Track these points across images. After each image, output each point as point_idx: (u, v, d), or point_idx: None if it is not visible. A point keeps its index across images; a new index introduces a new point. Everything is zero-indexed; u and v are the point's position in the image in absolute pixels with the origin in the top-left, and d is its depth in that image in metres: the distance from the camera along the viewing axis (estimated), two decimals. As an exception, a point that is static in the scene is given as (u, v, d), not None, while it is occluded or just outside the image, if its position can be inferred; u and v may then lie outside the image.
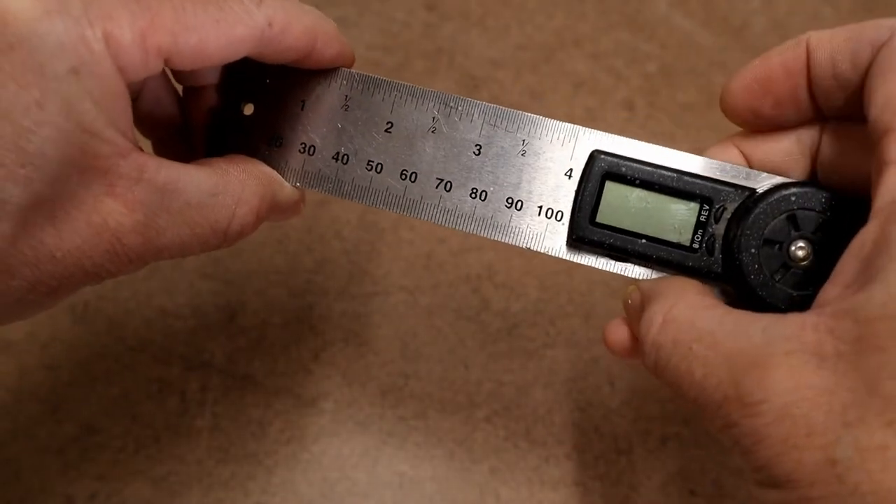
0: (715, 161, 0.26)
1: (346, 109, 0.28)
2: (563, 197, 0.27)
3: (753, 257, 0.24)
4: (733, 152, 0.26)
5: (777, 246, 0.24)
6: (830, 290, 0.21)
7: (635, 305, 0.26)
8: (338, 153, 0.28)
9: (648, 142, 0.26)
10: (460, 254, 0.43)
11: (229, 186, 0.25)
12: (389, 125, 0.27)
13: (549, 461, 0.39)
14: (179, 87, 0.29)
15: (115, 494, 0.38)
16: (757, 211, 0.24)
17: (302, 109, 0.28)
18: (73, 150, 0.20)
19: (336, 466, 0.39)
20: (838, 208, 0.24)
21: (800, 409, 0.19)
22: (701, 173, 0.25)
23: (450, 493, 0.38)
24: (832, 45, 0.23)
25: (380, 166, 0.28)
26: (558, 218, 0.27)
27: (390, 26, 0.50)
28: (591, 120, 0.48)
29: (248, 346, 0.41)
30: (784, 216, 0.24)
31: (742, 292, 0.24)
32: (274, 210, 0.27)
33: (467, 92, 0.49)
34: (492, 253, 0.43)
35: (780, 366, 0.20)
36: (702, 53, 0.48)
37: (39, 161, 0.20)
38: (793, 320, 0.20)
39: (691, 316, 0.23)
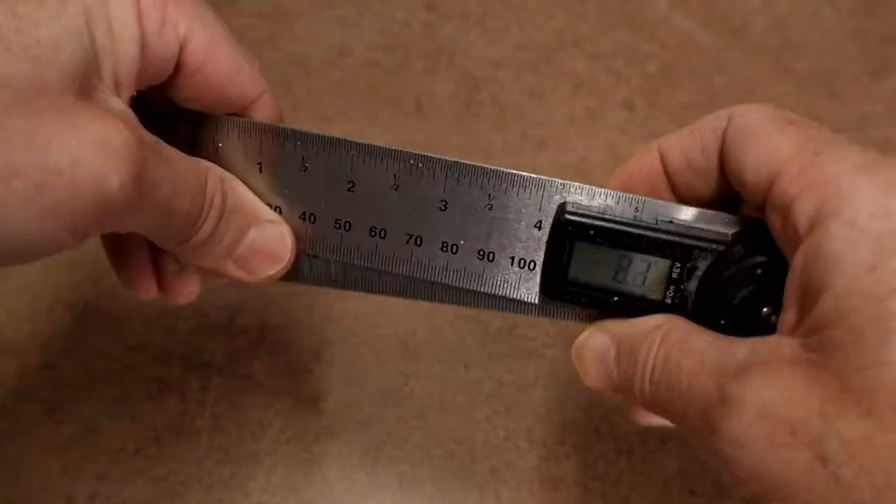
0: (690, 209, 0.26)
1: (304, 171, 0.27)
2: (535, 248, 0.27)
3: (727, 324, 0.24)
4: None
5: (748, 313, 0.24)
6: (787, 317, 0.22)
7: (603, 348, 0.26)
8: (304, 213, 0.28)
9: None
10: (460, 254, 0.43)
11: (200, 161, 0.26)
12: (351, 184, 0.27)
13: (549, 461, 0.39)
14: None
15: (115, 494, 0.38)
16: (725, 276, 0.24)
17: (260, 172, 0.27)
18: (82, 53, 0.21)
19: (336, 466, 0.39)
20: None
21: (779, 407, 0.20)
22: (674, 224, 0.25)
23: (450, 493, 0.38)
24: (681, 143, 0.25)
25: (348, 224, 0.27)
26: (531, 267, 0.27)
27: (390, 26, 0.50)
28: (591, 119, 0.48)
29: (248, 346, 0.41)
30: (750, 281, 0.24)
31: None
32: (238, 205, 0.27)
33: (467, 92, 0.49)
34: (492, 253, 0.43)
35: (758, 372, 0.21)
36: (702, 53, 0.48)
37: (50, 44, 0.20)
38: (773, 339, 0.22)
39: (684, 336, 0.24)
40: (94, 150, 0.20)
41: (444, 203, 0.27)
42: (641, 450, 0.39)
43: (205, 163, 0.26)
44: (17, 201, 0.19)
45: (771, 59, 0.47)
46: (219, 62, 0.25)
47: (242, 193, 0.27)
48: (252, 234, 0.27)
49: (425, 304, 0.42)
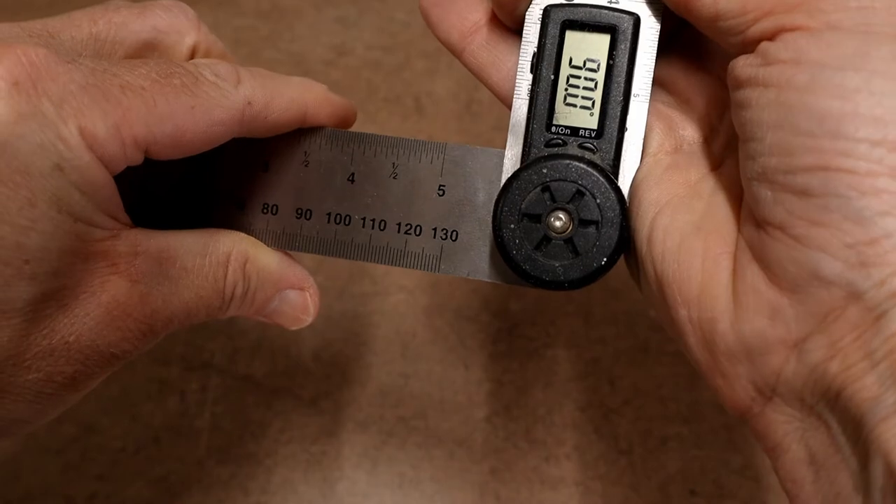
0: None
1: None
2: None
3: (513, 233, 0.24)
4: None
5: (536, 219, 0.24)
6: None
7: None
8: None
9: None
10: (460, 254, 0.43)
11: (218, 246, 0.26)
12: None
13: (549, 461, 0.39)
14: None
15: (115, 494, 0.38)
16: (513, 186, 0.25)
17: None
18: (69, 239, 0.21)
19: (336, 466, 0.39)
20: (591, 176, 0.24)
21: None
22: None
23: (450, 493, 0.38)
24: None
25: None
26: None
27: (390, 26, 0.50)
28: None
29: (248, 346, 0.41)
30: (539, 189, 0.24)
31: (509, 267, 0.25)
32: (262, 280, 0.27)
33: (467, 92, 0.49)
34: (492, 253, 0.43)
35: None
36: (702, 53, 0.48)
37: (41, 254, 0.20)
38: None
39: None
40: (104, 333, 0.23)
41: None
42: (641, 450, 0.39)
43: (224, 246, 0.26)
44: None
45: (771, 59, 0.47)
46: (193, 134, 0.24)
47: (265, 265, 0.27)
48: (275, 302, 0.28)
49: (425, 304, 0.42)
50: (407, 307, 0.42)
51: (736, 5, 0.21)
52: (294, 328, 0.29)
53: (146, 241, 0.23)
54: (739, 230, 0.22)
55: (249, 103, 0.24)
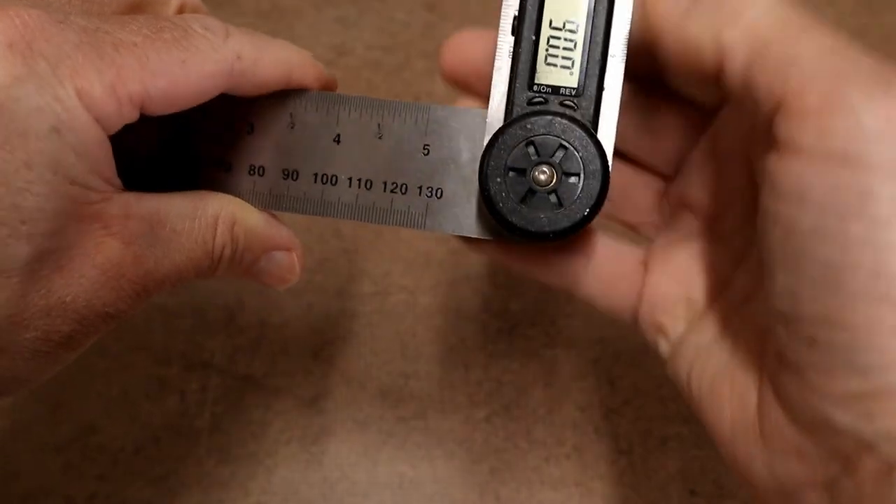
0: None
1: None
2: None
3: (499, 186, 0.25)
4: None
5: (521, 173, 0.25)
6: None
7: None
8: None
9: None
10: (460, 253, 0.43)
11: (207, 208, 0.26)
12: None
13: (549, 461, 0.39)
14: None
15: (115, 494, 0.38)
16: (499, 142, 0.26)
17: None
18: (65, 201, 0.21)
19: (336, 466, 0.39)
20: (573, 131, 0.25)
21: None
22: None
23: (450, 493, 0.38)
24: None
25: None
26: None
27: (390, 26, 0.50)
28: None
29: (248, 346, 0.41)
30: (524, 144, 0.25)
31: (496, 219, 0.26)
32: (250, 241, 0.27)
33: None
34: (492, 253, 0.43)
35: None
36: (702, 53, 0.48)
37: (37, 216, 0.21)
38: None
39: None
40: (97, 294, 0.23)
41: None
42: (641, 450, 0.39)
43: (212, 209, 0.26)
44: None
45: (771, 59, 0.47)
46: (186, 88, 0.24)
47: (253, 226, 0.27)
48: (262, 262, 0.28)
49: (425, 304, 0.42)
50: (407, 307, 0.42)
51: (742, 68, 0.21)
52: (280, 288, 0.29)
53: (137, 204, 0.23)
54: (763, 367, 0.23)
55: (239, 57, 0.25)
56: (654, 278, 0.28)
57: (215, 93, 0.24)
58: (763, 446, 0.22)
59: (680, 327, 0.27)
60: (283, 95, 0.28)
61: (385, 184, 0.27)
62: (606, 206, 0.27)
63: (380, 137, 0.27)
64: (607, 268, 0.28)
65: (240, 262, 0.27)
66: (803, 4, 0.23)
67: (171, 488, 0.38)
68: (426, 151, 0.27)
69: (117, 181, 0.23)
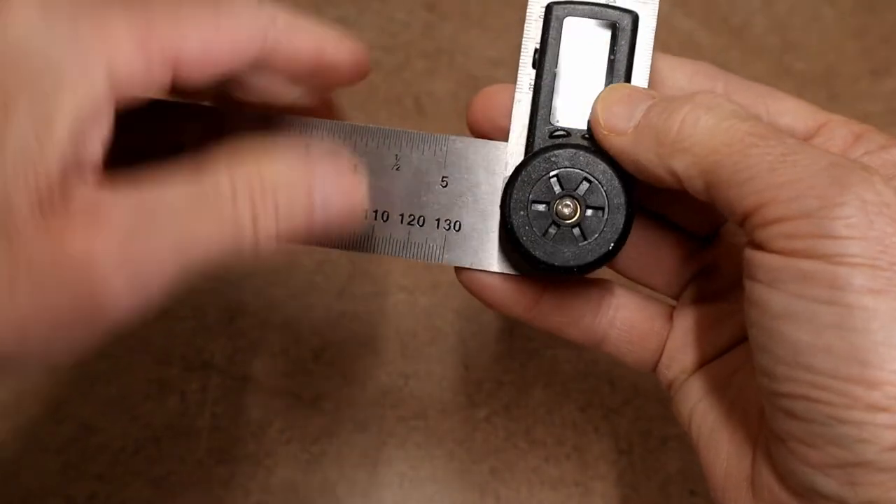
0: None
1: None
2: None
3: (523, 220, 0.25)
4: None
5: (544, 206, 0.25)
6: None
7: (641, 93, 0.25)
8: None
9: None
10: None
11: (208, 179, 0.22)
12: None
13: (549, 461, 0.39)
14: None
15: (115, 494, 0.38)
16: (522, 175, 0.25)
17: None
18: (70, 166, 0.20)
19: (336, 466, 0.39)
20: (597, 164, 0.25)
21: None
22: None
23: (450, 493, 0.38)
24: None
25: None
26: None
27: (390, 26, 0.50)
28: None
29: (248, 346, 0.41)
30: (547, 177, 0.25)
31: (519, 253, 0.26)
32: (283, 192, 0.22)
33: (467, 92, 0.49)
34: (492, 253, 0.43)
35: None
36: (702, 53, 0.48)
37: (47, 169, 0.19)
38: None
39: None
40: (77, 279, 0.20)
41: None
42: (641, 450, 0.39)
43: (217, 176, 0.21)
44: None
45: (771, 59, 0.47)
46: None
47: (278, 175, 0.22)
48: (318, 205, 0.23)
49: (426, 304, 0.42)
50: (407, 307, 0.42)
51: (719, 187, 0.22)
52: (360, 219, 0.24)
53: (129, 195, 0.21)
54: (760, 427, 0.23)
55: (274, 21, 0.23)
56: (673, 333, 0.28)
57: (248, 60, 0.23)
58: (753, 501, 0.23)
59: (685, 374, 0.28)
60: (300, 126, 0.27)
61: (402, 216, 0.27)
62: (634, 267, 0.27)
63: (397, 168, 0.27)
64: (636, 326, 0.28)
65: (290, 218, 0.22)
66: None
67: (171, 488, 0.38)
68: (444, 184, 0.27)
69: (99, 167, 0.21)
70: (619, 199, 0.25)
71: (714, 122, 0.22)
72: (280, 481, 0.38)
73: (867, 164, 0.21)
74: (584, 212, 0.25)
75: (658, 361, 0.28)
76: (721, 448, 0.25)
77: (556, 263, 0.25)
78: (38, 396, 0.40)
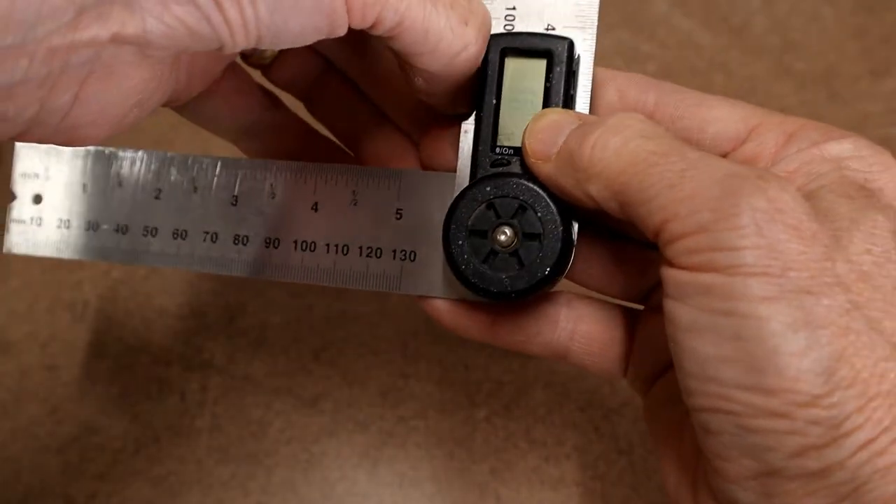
0: None
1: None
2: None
3: (461, 248, 0.25)
4: None
5: (482, 234, 0.25)
6: None
7: (567, 119, 0.25)
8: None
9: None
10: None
11: None
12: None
13: (549, 461, 0.39)
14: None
15: (115, 494, 0.38)
16: (461, 204, 0.26)
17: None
18: None
19: (336, 466, 0.39)
20: (532, 192, 0.25)
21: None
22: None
23: (450, 493, 0.38)
24: None
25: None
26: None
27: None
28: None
29: (248, 346, 0.41)
30: (484, 206, 0.25)
31: (459, 280, 0.26)
32: None
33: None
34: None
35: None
36: (702, 53, 0.48)
37: None
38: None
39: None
40: None
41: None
42: (641, 450, 0.39)
43: None
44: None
45: (771, 59, 0.47)
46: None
47: None
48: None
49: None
50: (407, 307, 0.42)
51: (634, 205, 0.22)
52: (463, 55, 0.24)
53: None
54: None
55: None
56: (636, 341, 0.28)
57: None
58: None
59: (648, 383, 0.28)
60: (265, 168, 0.29)
61: (361, 248, 0.28)
62: (594, 279, 0.27)
63: (354, 203, 0.28)
64: (596, 338, 0.28)
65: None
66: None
67: (171, 488, 0.38)
68: (399, 216, 0.28)
69: None
70: (554, 225, 0.25)
71: (620, 144, 0.22)
72: (280, 481, 0.39)
73: (765, 172, 0.21)
74: (521, 239, 0.25)
75: (626, 369, 0.28)
76: (672, 463, 0.25)
77: (494, 290, 0.25)
78: (38, 396, 0.40)
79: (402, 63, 0.25)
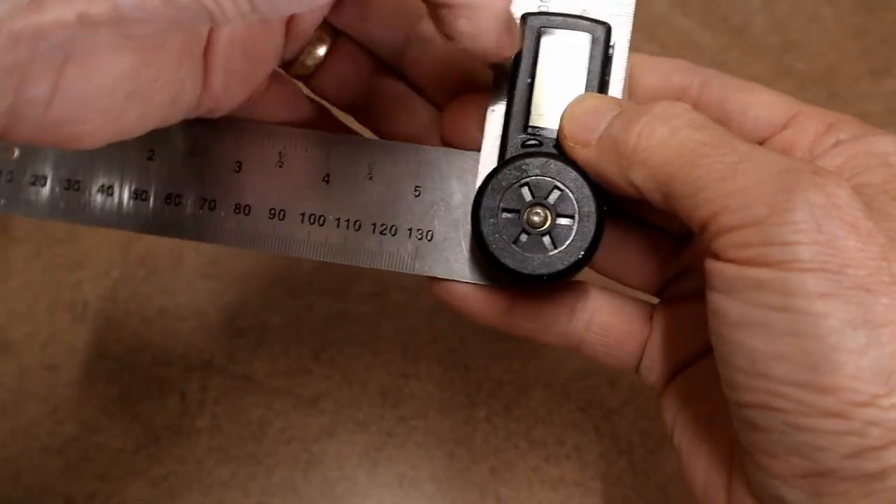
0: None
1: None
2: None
3: (493, 227, 0.25)
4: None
5: (515, 214, 0.25)
6: None
7: (608, 104, 0.25)
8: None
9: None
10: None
11: None
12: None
13: (549, 461, 0.39)
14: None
15: (115, 494, 0.38)
16: (492, 183, 0.25)
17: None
18: None
19: (336, 466, 0.39)
20: (568, 173, 0.25)
21: None
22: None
23: (450, 493, 0.38)
24: None
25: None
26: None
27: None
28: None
29: (248, 346, 0.41)
30: (518, 185, 0.25)
31: (488, 261, 0.25)
32: None
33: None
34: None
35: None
36: (702, 53, 0.48)
37: None
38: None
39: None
40: None
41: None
42: (641, 450, 0.39)
43: None
44: None
45: (771, 59, 0.47)
46: None
47: None
48: None
49: (426, 304, 0.42)
50: (407, 307, 0.42)
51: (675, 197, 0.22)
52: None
53: None
54: (734, 439, 0.23)
55: None
56: (653, 334, 0.28)
57: None
58: None
59: (665, 378, 0.28)
60: (273, 134, 0.27)
61: (374, 225, 0.27)
62: (612, 266, 0.27)
63: (370, 178, 0.27)
64: (613, 329, 0.28)
65: None
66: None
67: (171, 488, 0.38)
68: (417, 193, 0.27)
69: None
70: (590, 207, 0.25)
71: (668, 134, 0.22)
72: (280, 481, 0.39)
73: (820, 167, 0.20)
74: (555, 220, 0.25)
75: (640, 363, 0.28)
76: (700, 459, 0.24)
77: (526, 271, 0.25)
78: (38, 396, 0.40)
79: (437, 14, 0.22)
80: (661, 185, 0.22)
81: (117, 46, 0.19)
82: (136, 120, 0.21)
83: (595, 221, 0.25)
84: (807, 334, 0.19)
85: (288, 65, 0.28)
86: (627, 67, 0.26)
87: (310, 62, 0.28)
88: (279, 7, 0.19)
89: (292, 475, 0.39)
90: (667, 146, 0.22)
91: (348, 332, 0.42)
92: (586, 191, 0.25)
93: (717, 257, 0.20)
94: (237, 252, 0.43)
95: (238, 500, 0.38)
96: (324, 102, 0.30)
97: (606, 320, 0.28)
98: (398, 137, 0.29)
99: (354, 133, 0.30)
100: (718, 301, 0.20)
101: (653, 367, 0.28)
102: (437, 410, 0.40)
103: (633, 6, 0.26)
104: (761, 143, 0.25)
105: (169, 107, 0.22)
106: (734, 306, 0.20)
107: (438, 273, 0.27)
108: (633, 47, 0.26)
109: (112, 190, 0.28)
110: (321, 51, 0.28)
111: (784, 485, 0.20)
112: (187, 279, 0.43)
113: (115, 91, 0.20)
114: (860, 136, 0.23)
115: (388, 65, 0.29)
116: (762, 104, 0.26)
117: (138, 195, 0.28)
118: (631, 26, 0.26)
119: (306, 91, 0.30)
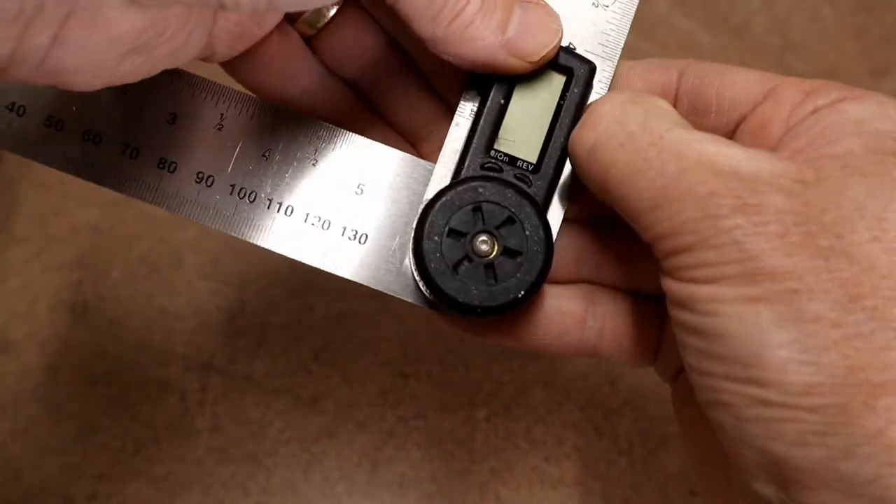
0: None
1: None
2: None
3: (435, 245, 0.23)
4: None
5: (460, 237, 0.24)
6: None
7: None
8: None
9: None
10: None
11: None
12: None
13: (549, 461, 0.39)
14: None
15: (115, 494, 0.38)
16: (444, 199, 0.24)
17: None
18: None
19: (336, 466, 0.39)
20: (525, 207, 0.24)
21: None
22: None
23: (450, 493, 0.38)
24: None
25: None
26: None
27: (390, 26, 0.50)
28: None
29: (248, 346, 0.41)
30: (471, 207, 0.24)
31: (423, 281, 0.24)
32: None
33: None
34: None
35: None
36: (702, 53, 0.48)
37: None
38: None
39: None
40: None
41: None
42: (641, 450, 0.39)
43: None
44: None
45: (771, 59, 0.47)
46: None
47: None
48: (518, 12, 0.24)
49: (425, 304, 0.42)
50: (407, 307, 0.42)
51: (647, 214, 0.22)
52: (548, 45, 0.24)
53: None
54: None
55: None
56: (666, 328, 0.28)
57: None
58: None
59: (676, 371, 0.28)
60: (217, 92, 0.25)
61: (308, 214, 0.25)
62: (616, 275, 0.27)
63: (314, 164, 0.25)
64: (627, 334, 0.27)
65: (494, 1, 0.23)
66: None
67: (171, 488, 0.38)
68: (360, 191, 0.25)
69: None
70: (540, 246, 0.24)
71: (592, 145, 0.23)
72: (280, 481, 0.39)
73: (753, 181, 0.21)
74: (501, 252, 0.24)
75: (656, 359, 0.28)
76: (702, 457, 0.25)
77: (460, 300, 0.23)
78: (38, 396, 0.40)
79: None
80: (610, 202, 0.23)
81: (123, 8, 0.19)
82: (135, 69, 0.21)
83: (542, 261, 0.24)
84: (737, 335, 0.20)
85: (293, 19, 0.27)
86: (615, 75, 0.26)
87: (316, 20, 0.27)
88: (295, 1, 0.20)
89: (292, 475, 0.39)
90: (594, 162, 0.23)
91: (348, 332, 0.42)
92: (539, 229, 0.24)
93: (665, 273, 0.22)
94: (238, 252, 0.43)
95: (238, 500, 0.38)
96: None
97: (617, 326, 0.27)
98: (395, 126, 0.28)
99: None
100: (671, 310, 0.22)
101: (665, 362, 0.28)
102: (437, 410, 0.40)
103: (619, 52, 0.25)
104: (740, 121, 0.25)
105: (171, 58, 0.22)
106: (682, 314, 0.21)
107: (363, 280, 0.26)
108: (633, 47, 0.26)
109: (23, 110, 0.25)
110: (331, 11, 0.27)
111: (753, 479, 0.21)
112: (187, 279, 0.43)
113: (117, 48, 0.20)
114: (837, 102, 0.23)
115: (397, 44, 0.28)
116: (738, 83, 0.25)
117: (52, 123, 0.25)
118: (613, 72, 0.25)
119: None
